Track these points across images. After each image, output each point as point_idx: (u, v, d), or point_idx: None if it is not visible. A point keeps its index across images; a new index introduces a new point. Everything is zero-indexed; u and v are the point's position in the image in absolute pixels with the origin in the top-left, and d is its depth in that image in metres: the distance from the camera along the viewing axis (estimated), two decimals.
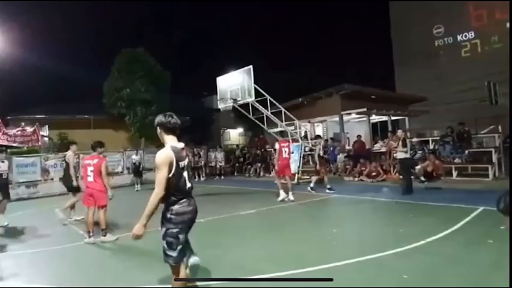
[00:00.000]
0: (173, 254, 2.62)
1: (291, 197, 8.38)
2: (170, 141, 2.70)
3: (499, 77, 15.78)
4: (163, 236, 2.65)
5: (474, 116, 16.92)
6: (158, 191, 2.53)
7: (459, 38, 26.20)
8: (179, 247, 2.64)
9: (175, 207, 2.63)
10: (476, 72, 20.54)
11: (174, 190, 2.61)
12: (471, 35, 25.64)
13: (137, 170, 14.02)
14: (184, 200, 2.67)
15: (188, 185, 2.71)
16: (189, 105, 22.46)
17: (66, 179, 7.45)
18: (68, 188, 7.53)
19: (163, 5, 31.94)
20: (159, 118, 2.76)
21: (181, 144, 2.74)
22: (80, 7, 27.43)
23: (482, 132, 12.23)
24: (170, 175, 2.55)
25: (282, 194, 8.49)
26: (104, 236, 5.52)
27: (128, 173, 15.78)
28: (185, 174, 2.67)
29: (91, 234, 5.49)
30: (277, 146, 8.93)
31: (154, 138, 19.04)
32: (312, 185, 9.56)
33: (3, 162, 7.71)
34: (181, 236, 2.64)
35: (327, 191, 9.29)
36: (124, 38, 25.39)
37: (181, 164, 2.64)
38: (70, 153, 7.39)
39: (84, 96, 20.63)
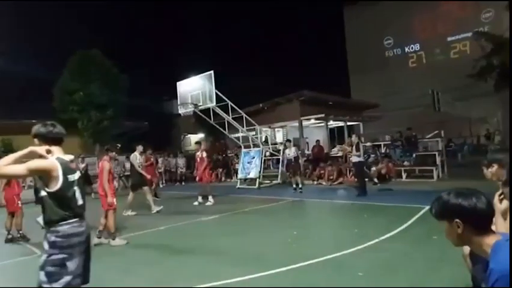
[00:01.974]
0: (56, 285, 2.09)
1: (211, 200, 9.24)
2: (56, 154, 2.29)
3: (441, 85, 17.30)
4: (42, 265, 2.14)
5: (420, 121, 18.35)
6: (10, 168, 2.06)
7: (406, 49, 28.37)
8: (66, 278, 2.12)
9: (62, 228, 2.18)
10: (421, 82, 22.33)
11: (61, 207, 2.20)
12: (417, 47, 27.89)
13: (84, 178, 12.97)
14: (75, 219, 2.25)
15: (80, 202, 2.32)
16: (148, 109, 21.78)
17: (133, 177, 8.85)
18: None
19: (121, 5, 30.64)
20: (36, 128, 2.35)
21: (69, 157, 2.38)
22: (29, 3, 25.33)
23: (427, 136, 13.27)
24: (56, 189, 2.17)
25: (211, 198, 9.23)
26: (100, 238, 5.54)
27: None
28: (75, 189, 2.29)
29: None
30: (204, 154, 9.46)
31: (109, 143, 18.38)
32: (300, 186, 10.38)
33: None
34: (70, 264, 2.14)
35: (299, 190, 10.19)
36: (78, 38, 23.87)
37: (70, 178, 2.25)
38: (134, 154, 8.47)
39: (31, 99, 19.14)
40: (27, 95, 20.30)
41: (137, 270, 4.34)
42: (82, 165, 13.36)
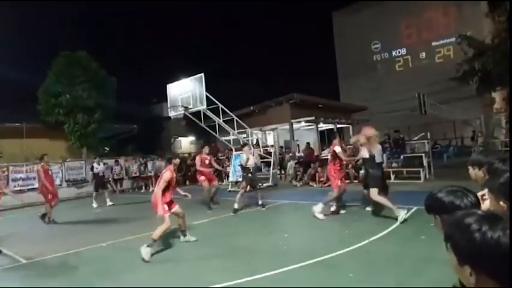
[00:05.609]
0: None
1: None
2: None
3: (427, 89, 17.71)
4: None
5: (407, 124, 18.69)
6: None
7: (394, 53, 28.94)
8: None
9: None
10: (408, 85, 22.81)
11: None
12: (403, 51, 28.48)
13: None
14: None
15: None
16: (137, 112, 21.53)
17: None
18: None
19: (110, 7, 30.32)
20: None
21: None
22: (12, 3, 24.75)
23: (414, 138, 13.54)
24: None
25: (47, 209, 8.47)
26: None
27: (67, 186, 15.06)
28: None
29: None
30: (41, 169, 8.45)
31: (96, 147, 18.12)
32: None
33: (99, 164, 11.07)
34: None
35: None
36: (64, 39, 23.43)
37: None
38: None
39: (15, 102, 18.66)
40: (9, 98, 19.76)
41: (123, 275, 4.31)
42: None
